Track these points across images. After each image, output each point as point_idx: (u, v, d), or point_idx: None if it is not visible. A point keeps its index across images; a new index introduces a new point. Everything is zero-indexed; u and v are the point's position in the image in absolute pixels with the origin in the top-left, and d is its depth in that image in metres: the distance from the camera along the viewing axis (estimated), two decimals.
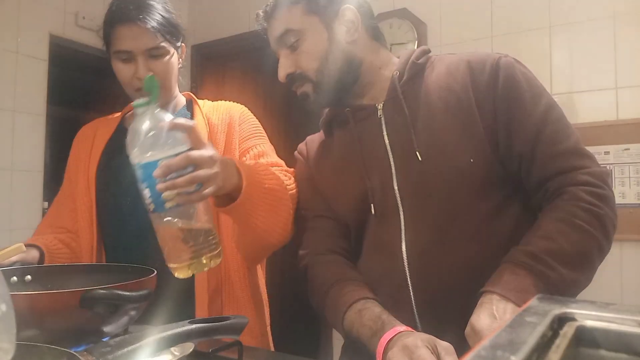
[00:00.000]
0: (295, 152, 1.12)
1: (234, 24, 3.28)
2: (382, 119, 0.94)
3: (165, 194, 0.72)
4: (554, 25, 2.39)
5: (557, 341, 0.29)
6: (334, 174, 0.99)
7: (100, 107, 3.49)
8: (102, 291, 0.65)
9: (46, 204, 2.92)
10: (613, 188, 2.39)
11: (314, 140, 1.09)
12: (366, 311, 0.82)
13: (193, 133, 0.78)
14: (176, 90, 1.23)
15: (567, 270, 0.75)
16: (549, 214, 0.81)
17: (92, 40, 3.12)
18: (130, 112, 1.29)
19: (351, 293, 0.86)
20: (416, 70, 0.94)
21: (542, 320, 0.30)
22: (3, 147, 2.66)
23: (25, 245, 1.00)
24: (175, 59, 1.16)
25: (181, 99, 1.26)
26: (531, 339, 0.27)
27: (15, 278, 0.82)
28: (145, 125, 0.74)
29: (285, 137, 2.78)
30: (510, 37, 2.41)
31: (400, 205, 0.89)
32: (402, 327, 0.75)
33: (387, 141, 0.92)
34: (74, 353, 0.53)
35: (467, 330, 0.72)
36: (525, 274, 0.74)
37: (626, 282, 2.22)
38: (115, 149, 1.17)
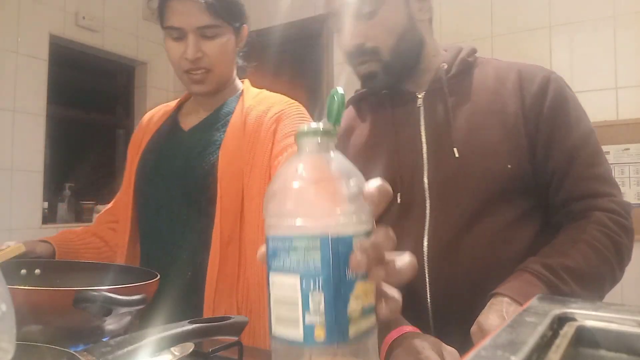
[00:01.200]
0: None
1: None
2: (421, 109, 0.92)
3: (353, 308, 0.39)
4: (554, 25, 2.39)
5: (557, 341, 0.29)
6: (362, 155, 0.96)
7: (100, 107, 3.50)
8: (94, 292, 0.64)
9: (46, 204, 2.92)
10: None
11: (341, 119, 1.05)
12: None
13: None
14: (233, 77, 1.12)
15: (580, 289, 0.75)
16: (572, 232, 0.82)
17: (92, 40, 3.12)
18: (187, 102, 1.18)
19: None
20: (464, 68, 0.92)
21: (542, 320, 0.30)
22: (3, 147, 2.66)
23: (40, 241, 1.01)
24: (232, 41, 1.04)
25: (237, 87, 1.14)
26: (531, 339, 0.27)
27: (24, 271, 0.82)
28: (313, 170, 0.43)
29: None
30: (510, 37, 2.41)
31: (427, 198, 0.88)
32: (408, 327, 0.74)
33: (423, 132, 0.90)
34: (74, 353, 0.53)
35: (474, 328, 0.72)
36: (538, 284, 0.74)
37: (626, 282, 2.22)
38: (156, 140, 1.11)
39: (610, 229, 0.79)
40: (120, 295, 0.66)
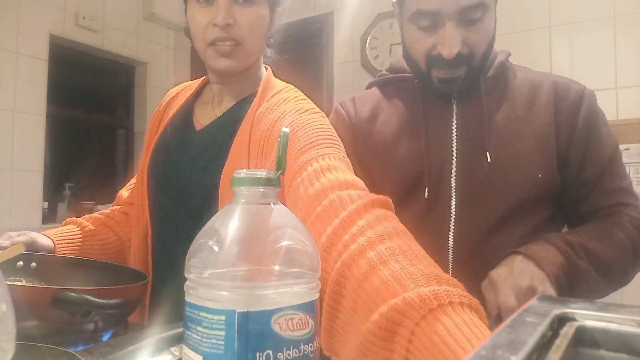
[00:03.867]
0: (338, 106, 1.01)
1: None
2: (454, 107, 0.91)
3: None
4: (554, 25, 2.39)
5: (557, 341, 0.29)
6: (389, 142, 0.93)
7: (100, 107, 3.50)
8: (73, 293, 0.64)
9: (46, 204, 2.92)
10: None
11: (365, 100, 0.99)
12: None
13: None
14: (259, 64, 0.99)
15: (594, 271, 0.77)
16: (595, 225, 0.84)
17: (92, 40, 3.12)
18: (207, 85, 1.05)
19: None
20: (501, 71, 0.92)
21: (542, 320, 0.30)
22: (3, 147, 2.66)
23: (44, 234, 0.98)
24: (266, 16, 0.91)
25: (259, 78, 0.98)
26: (531, 339, 0.27)
27: (21, 263, 0.82)
28: (238, 227, 0.37)
29: None
30: (510, 37, 2.41)
31: (453, 197, 0.88)
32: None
33: (454, 132, 0.89)
34: (74, 353, 0.53)
35: (484, 282, 0.73)
36: (556, 252, 0.75)
37: None
38: (168, 135, 1.01)
39: (631, 231, 0.82)
40: (102, 296, 0.66)
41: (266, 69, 1.01)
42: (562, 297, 0.38)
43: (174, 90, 1.12)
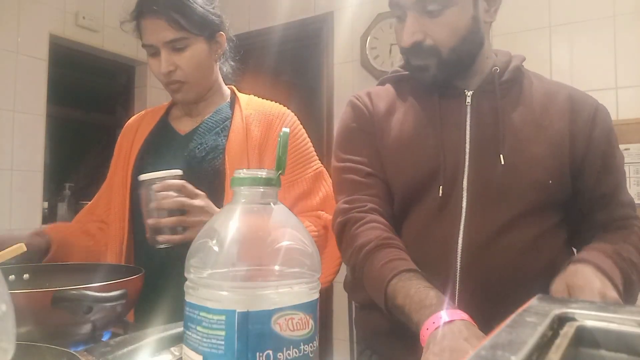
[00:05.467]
0: (354, 100, 1.01)
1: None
2: (469, 107, 0.91)
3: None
4: (554, 25, 2.39)
5: (557, 341, 0.29)
6: (405, 139, 0.93)
7: (100, 107, 3.50)
8: (72, 291, 0.64)
9: (46, 204, 2.92)
10: None
11: (380, 96, 1.00)
12: (416, 281, 0.76)
13: (184, 189, 0.90)
14: (218, 84, 1.17)
15: (638, 280, 0.81)
16: (617, 236, 0.87)
17: (92, 40, 3.12)
18: (174, 107, 1.23)
19: (399, 262, 0.80)
20: (516, 76, 0.93)
21: (542, 320, 0.30)
22: (3, 147, 2.66)
23: (36, 234, 1.01)
24: (205, 51, 1.08)
25: (225, 93, 1.19)
26: (531, 339, 0.27)
27: (13, 276, 0.82)
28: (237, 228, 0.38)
29: None
30: (510, 37, 2.41)
31: (464, 198, 0.88)
32: (464, 315, 0.67)
33: (468, 132, 0.89)
34: (74, 353, 0.53)
35: (559, 288, 0.75)
36: (612, 264, 0.78)
37: None
38: (152, 143, 1.14)
39: None
40: (101, 292, 0.66)
41: (229, 89, 1.20)
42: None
43: (133, 119, 1.26)
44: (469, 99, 0.92)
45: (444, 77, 0.90)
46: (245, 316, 0.33)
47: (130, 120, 1.26)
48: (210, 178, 1.02)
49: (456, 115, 0.91)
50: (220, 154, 1.04)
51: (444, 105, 0.92)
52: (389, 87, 1.02)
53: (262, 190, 0.38)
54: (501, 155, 0.86)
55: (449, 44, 0.86)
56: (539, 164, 0.86)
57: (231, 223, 0.37)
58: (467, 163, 0.88)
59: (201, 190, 0.97)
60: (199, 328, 0.34)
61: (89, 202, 1.25)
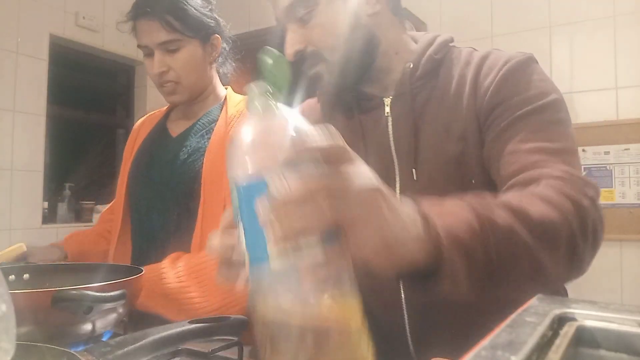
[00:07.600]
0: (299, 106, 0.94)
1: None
2: (390, 117, 0.82)
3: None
4: (554, 25, 2.39)
5: (557, 341, 0.29)
6: None
7: (100, 107, 3.50)
8: (72, 291, 0.64)
9: (46, 204, 2.92)
10: (613, 188, 2.41)
11: (313, 109, 0.93)
12: None
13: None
14: (213, 85, 1.17)
15: (523, 230, 0.53)
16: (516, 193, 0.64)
17: (92, 40, 3.12)
18: (174, 109, 1.23)
19: None
20: (432, 67, 0.81)
21: (542, 320, 0.30)
22: (3, 147, 2.66)
23: (52, 245, 1.04)
24: (199, 52, 1.09)
25: (220, 95, 1.19)
26: (531, 339, 0.27)
27: (13, 276, 0.82)
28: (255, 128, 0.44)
29: None
30: (510, 37, 2.41)
31: None
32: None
33: (392, 144, 0.81)
34: (74, 353, 0.53)
35: None
36: (463, 206, 0.53)
37: (626, 282, 2.22)
38: (148, 145, 1.17)
39: (567, 190, 0.60)
40: (101, 292, 0.67)
41: (226, 89, 1.20)
42: (561, 297, 0.38)
43: (141, 120, 1.30)
44: (387, 108, 0.82)
45: (342, 82, 0.82)
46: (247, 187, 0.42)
47: (136, 123, 1.29)
48: (191, 180, 1.05)
49: (379, 131, 0.82)
50: (202, 155, 1.05)
51: (366, 121, 0.84)
52: (316, 107, 0.94)
53: (262, 102, 0.46)
54: (413, 170, 0.78)
55: (328, 45, 0.79)
56: (454, 168, 0.76)
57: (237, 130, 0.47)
58: (397, 182, 0.81)
59: (182, 192, 1.02)
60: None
61: (107, 205, 1.30)
